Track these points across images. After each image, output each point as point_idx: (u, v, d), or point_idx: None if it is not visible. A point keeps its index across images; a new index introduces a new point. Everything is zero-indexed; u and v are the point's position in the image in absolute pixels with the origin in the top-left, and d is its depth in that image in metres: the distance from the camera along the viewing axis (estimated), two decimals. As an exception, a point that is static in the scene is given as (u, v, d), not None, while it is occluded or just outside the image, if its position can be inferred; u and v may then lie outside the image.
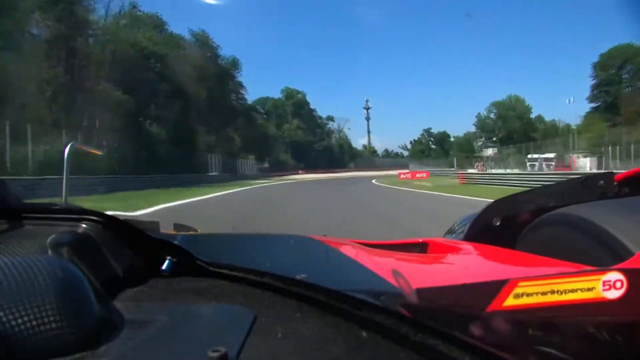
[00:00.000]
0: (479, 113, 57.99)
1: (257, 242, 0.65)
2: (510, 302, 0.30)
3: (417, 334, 0.30)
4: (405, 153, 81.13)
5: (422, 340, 0.30)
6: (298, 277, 0.38)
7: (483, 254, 0.60)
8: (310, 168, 54.14)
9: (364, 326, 0.33)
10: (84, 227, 0.46)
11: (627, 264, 0.38)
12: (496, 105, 56.16)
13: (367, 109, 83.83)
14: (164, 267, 0.46)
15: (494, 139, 52.43)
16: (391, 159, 77.35)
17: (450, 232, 0.91)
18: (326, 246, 0.56)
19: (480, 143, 55.94)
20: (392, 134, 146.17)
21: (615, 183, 0.64)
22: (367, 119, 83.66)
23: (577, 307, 0.31)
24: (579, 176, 0.69)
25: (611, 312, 0.31)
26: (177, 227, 0.85)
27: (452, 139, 75.69)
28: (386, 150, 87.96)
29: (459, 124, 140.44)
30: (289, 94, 65.75)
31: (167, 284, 0.45)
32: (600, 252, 0.51)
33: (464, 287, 0.37)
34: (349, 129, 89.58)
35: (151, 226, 0.57)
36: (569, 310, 0.31)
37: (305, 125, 63.99)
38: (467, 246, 0.63)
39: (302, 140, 62.08)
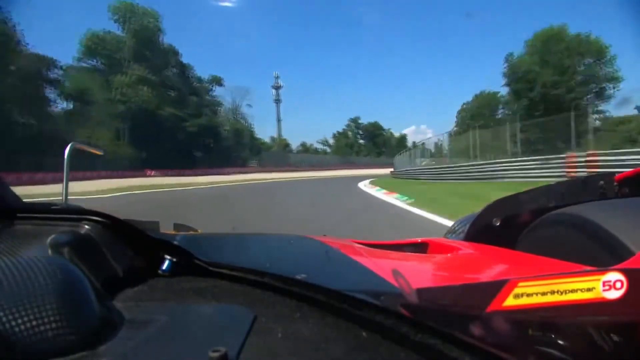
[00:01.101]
0: (511, 54, 27.51)
1: (257, 242, 0.65)
2: (510, 302, 0.30)
3: (417, 334, 0.30)
4: (328, 149, 63.03)
5: (422, 340, 0.30)
6: (298, 277, 0.38)
7: (483, 254, 0.60)
8: (177, 165, 29.05)
9: (364, 326, 0.33)
10: (84, 227, 0.46)
11: (627, 264, 0.38)
12: (544, 36, 25.32)
13: (277, 88, 59.33)
14: (163, 267, 0.46)
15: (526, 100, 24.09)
16: (309, 156, 57.56)
17: (450, 232, 0.91)
18: (326, 246, 0.56)
19: (505, 112, 27.88)
20: (308, 126, 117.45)
21: (615, 183, 0.64)
22: (277, 101, 59.01)
23: (577, 307, 0.31)
24: (579, 176, 0.69)
25: (611, 312, 0.31)
26: (177, 227, 0.85)
27: (385, 133, 60.30)
28: (303, 145, 63.41)
29: (394, 118, 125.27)
30: (126, 10, 33.00)
31: (167, 284, 0.45)
32: (600, 252, 0.51)
33: (464, 287, 0.37)
34: (249, 105, 58.02)
35: (151, 226, 0.57)
36: (569, 310, 0.31)
37: (158, 78, 32.70)
38: (467, 246, 0.63)
39: (154, 109, 30.74)
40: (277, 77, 61.17)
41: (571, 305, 0.30)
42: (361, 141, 63.35)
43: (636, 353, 0.34)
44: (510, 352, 0.29)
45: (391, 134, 64.85)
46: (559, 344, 0.32)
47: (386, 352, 0.31)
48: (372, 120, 65.61)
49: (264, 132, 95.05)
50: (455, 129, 29.62)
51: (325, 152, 63.53)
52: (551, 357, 0.31)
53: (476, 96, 37.35)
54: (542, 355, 0.31)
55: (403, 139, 66.19)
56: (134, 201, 9.96)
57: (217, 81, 45.42)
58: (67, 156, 1.40)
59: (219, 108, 46.36)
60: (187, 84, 40.11)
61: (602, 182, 0.65)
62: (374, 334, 0.33)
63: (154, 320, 0.35)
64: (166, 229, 0.69)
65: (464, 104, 39.23)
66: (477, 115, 32.08)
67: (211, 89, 45.55)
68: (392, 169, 31.40)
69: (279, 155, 53.86)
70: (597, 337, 0.33)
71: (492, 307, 0.30)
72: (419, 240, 0.70)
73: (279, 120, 59.88)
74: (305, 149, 63.72)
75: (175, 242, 0.47)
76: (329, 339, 0.33)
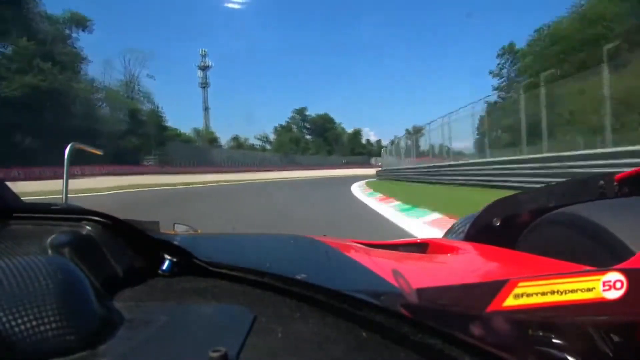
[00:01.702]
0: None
1: (257, 242, 0.65)
2: (510, 302, 0.30)
3: (417, 334, 0.30)
4: (268, 147, 52.52)
5: (422, 340, 0.30)
6: (298, 277, 0.38)
7: (483, 254, 0.60)
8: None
9: (364, 326, 0.33)
10: (84, 227, 0.46)
11: (627, 264, 0.38)
12: None
13: (204, 68, 47.68)
14: (164, 267, 0.46)
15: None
16: (243, 153, 46.47)
17: (450, 232, 0.91)
18: (326, 246, 0.56)
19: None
20: (247, 120, 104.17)
21: (615, 183, 0.64)
22: (204, 85, 47.38)
23: (577, 307, 0.31)
24: (579, 176, 0.69)
25: (611, 312, 0.31)
26: (177, 227, 0.86)
27: (336, 127, 50.50)
28: (236, 140, 51.72)
29: (342, 116, 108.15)
30: None
31: (167, 284, 0.45)
32: (600, 252, 0.51)
33: (464, 287, 0.37)
34: (151, 77, 43.36)
35: (151, 226, 0.57)
36: (569, 310, 0.31)
37: None
38: (467, 246, 0.63)
39: None
40: (204, 55, 47.00)
41: (571, 305, 0.30)
42: (308, 137, 52.86)
43: (636, 353, 0.34)
44: (510, 352, 0.29)
45: (343, 129, 54.36)
46: (559, 344, 0.32)
47: (386, 352, 0.31)
48: (320, 112, 53.12)
49: (189, 124, 73.84)
50: (499, 94, 15.05)
51: (263, 149, 52.24)
52: (551, 357, 0.31)
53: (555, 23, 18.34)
54: (542, 355, 0.31)
55: (357, 134, 55.16)
56: None
57: (79, 22, 25.59)
58: (67, 156, 1.40)
59: (79, 65, 27.23)
60: (21, 21, 22.81)
61: (602, 182, 0.65)
62: (374, 334, 0.33)
63: (154, 320, 0.35)
64: (166, 229, 0.69)
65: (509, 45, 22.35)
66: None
67: (70, 36, 26.38)
68: (370, 169, 26.73)
69: (201, 151, 39.07)
70: (597, 337, 0.33)
71: (492, 307, 0.30)
72: (419, 240, 0.70)
73: (205, 109, 46.28)
74: (238, 144, 51.08)
75: (175, 242, 0.47)
76: (329, 339, 0.33)
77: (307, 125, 52.89)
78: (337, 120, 54.06)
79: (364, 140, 55.24)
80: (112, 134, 26.95)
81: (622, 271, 0.31)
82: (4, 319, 0.27)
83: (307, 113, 52.28)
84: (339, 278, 0.44)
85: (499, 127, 11.91)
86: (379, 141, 52.62)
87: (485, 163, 11.24)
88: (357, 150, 49.30)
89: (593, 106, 7.14)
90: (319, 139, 51.29)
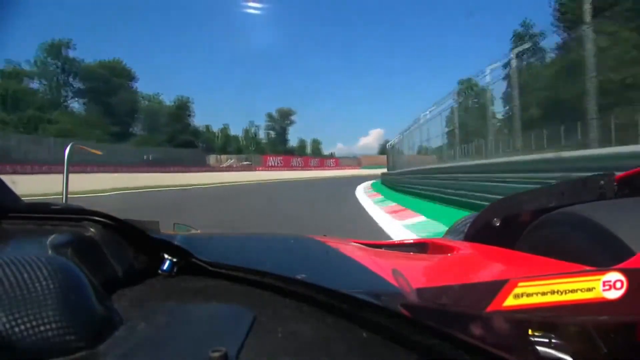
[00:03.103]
0: None
1: (257, 242, 0.65)
2: (510, 302, 0.30)
3: (417, 334, 0.30)
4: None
5: (422, 340, 0.30)
6: (298, 277, 0.38)
7: (483, 254, 0.60)
8: None
9: (364, 326, 0.33)
10: (84, 227, 0.46)
11: (627, 264, 0.38)
12: None
13: None
14: (164, 267, 0.46)
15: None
16: None
17: (450, 232, 0.91)
18: (326, 246, 0.56)
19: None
20: None
21: (615, 183, 0.64)
22: None
23: (577, 307, 0.31)
24: (579, 176, 0.69)
25: (611, 312, 0.31)
26: (177, 227, 0.86)
27: (142, 95, 29.68)
28: None
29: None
30: None
31: (167, 284, 0.45)
32: (600, 252, 0.51)
33: (464, 287, 0.38)
34: None
35: (151, 226, 0.58)
36: (569, 310, 0.31)
37: None
38: (467, 246, 0.63)
39: None
40: None
41: (571, 305, 0.31)
42: (75, 104, 25.66)
43: (636, 353, 0.34)
44: (510, 352, 0.29)
45: (160, 101, 30.05)
46: (559, 344, 0.32)
47: (386, 352, 0.31)
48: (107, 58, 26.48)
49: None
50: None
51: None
52: (551, 357, 0.31)
53: None
54: (542, 355, 0.31)
55: (182, 109, 32.82)
56: None
57: None
58: (67, 156, 1.40)
59: None
60: None
61: (602, 182, 0.65)
62: (374, 334, 0.33)
63: (154, 320, 0.35)
64: (166, 229, 0.69)
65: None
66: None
67: None
68: (209, 174, 17.06)
69: None
70: (597, 337, 0.33)
71: (492, 307, 0.31)
72: (419, 240, 0.70)
73: None
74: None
75: (175, 242, 0.47)
76: (329, 339, 0.33)
77: (75, 83, 25.46)
78: (141, 82, 29.64)
79: (197, 123, 33.64)
80: None
81: (622, 271, 0.31)
82: (5, 319, 0.27)
83: (70, 54, 24.67)
84: (339, 278, 0.44)
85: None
86: (224, 129, 34.65)
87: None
88: (182, 138, 29.57)
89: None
90: (96, 108, 25.23)
